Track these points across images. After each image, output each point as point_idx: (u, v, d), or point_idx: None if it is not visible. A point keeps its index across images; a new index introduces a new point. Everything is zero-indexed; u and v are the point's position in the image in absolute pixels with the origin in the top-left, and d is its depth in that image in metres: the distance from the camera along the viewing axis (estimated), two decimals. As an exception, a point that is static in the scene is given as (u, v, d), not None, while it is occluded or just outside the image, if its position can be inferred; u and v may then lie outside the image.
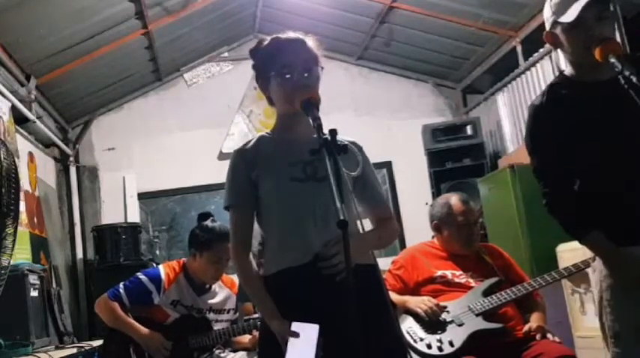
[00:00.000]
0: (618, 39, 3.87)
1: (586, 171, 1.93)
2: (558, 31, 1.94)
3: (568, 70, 2.01)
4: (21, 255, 4.01)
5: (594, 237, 1.90)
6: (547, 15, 1.97)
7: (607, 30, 1.90)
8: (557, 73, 5.05)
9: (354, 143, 1.84)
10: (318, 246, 1.69)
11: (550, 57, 4.90)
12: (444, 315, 2.59)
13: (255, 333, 2.95)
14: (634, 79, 1.69)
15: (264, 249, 1.83)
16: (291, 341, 1.55)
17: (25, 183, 4.51)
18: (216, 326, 3.06)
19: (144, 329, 2.95)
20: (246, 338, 3.12)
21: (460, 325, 2.56)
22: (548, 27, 1.98)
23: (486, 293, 2.66)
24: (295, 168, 1.75)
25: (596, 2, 1.86)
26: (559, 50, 2.02)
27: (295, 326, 1.60)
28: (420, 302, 2.61)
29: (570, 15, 1.86)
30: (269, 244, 1.81)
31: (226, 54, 6.33)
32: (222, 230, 2.96)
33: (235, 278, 3.19)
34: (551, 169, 1.98)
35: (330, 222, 1.58)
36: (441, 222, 2.86)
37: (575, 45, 1.92)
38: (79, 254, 5.79)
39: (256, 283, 1.77)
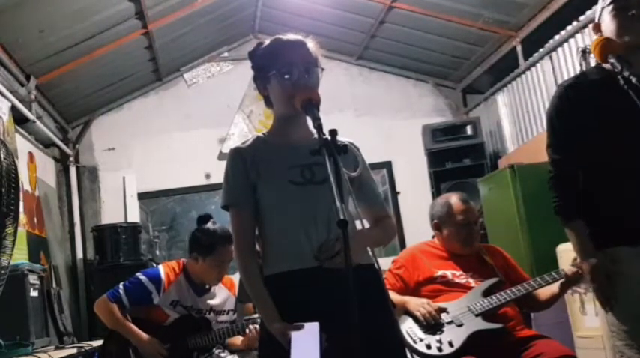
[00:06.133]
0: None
1: (595, 159, 1.94)
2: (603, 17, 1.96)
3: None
4: (18, 255, 4.00)
5: (576, 226, 1.97)
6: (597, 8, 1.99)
7: None
8: (556, 73, 5.05)
9: (351, 143, 1.83)
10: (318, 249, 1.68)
11: (550, 57, 4.91)
12: (443, 315, 2.59)
13: (247, 333, 2.93)
14: (633, 80, 1.69)
15: (264, 250, 1.83)
16: (294, 339, 1.55)
17: (25, 183, 4.51)
18: (216, 327, 3.06)
19: (142, 334, 2.94)
20: (238, 340, 3.10)
21: (460, 325, 2.55)
22: (596, 18, 2.01)
23: (486, 293, 2.65)
24: (293, 172, 1.75)
25: None
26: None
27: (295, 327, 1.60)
28: (420, 306, 2.59)
29: None
30: (268, 246, 1.81)
31: (226, 54, 6.34)
32: (225, 232, 2.95)
33: (234, 278, 3.18)
34: (558, 151, 2.02)
35: (332, 225, 1.57)
36: (441, 222, 2.86)
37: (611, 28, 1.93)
38: (79, 254, 5.79)
39: (258, 284, 1.75)
